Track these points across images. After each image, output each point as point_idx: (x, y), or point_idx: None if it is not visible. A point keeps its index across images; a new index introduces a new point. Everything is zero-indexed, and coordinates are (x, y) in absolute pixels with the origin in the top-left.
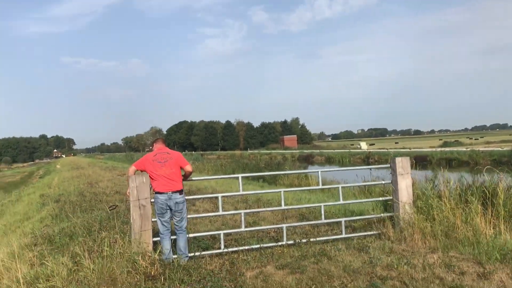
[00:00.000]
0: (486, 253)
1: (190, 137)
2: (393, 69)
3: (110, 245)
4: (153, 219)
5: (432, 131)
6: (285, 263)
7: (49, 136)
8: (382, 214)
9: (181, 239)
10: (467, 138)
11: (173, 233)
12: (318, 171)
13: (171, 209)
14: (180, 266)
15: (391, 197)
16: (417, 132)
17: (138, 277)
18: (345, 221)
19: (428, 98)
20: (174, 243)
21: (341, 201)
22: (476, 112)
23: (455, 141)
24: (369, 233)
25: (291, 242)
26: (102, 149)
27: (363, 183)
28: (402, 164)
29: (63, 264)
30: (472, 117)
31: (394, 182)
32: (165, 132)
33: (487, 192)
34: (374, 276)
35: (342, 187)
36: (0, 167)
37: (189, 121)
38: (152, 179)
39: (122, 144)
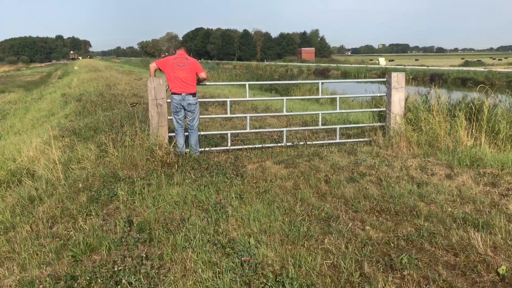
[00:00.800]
0: (459, 159)
1: (206, 45)
2: None
3: (131, 137)
4: (169, 117)
5: (456, 49)
6: (281, 160)
7: (65, 37)
8: (374, 124)
9: (193, 137)
10: (490, 58)
11: (186, 130)
12: (319, 82)
13: (184, 109)
14: (191, 157)
15: (384, 109)
16: (440, 50)
17: (155, 163)
18: (340, 128)
19: (454, 14)
20: (187, 139)
21: (338, 110)
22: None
23: (477, 60)
24: (361, 139)
25: (289, 144)
26: (118, 53)
27: (360, 95)
28: (398, 78)
29: (91, 150)
30: (499, 37)
31: (388, 95)
32: (181, 39)
33: (474, 108)
34: (355, 173)
35: (340, 97)
36: (19, 66)
37: (206, 28)
38: (169, 80)
39: (138, 48)
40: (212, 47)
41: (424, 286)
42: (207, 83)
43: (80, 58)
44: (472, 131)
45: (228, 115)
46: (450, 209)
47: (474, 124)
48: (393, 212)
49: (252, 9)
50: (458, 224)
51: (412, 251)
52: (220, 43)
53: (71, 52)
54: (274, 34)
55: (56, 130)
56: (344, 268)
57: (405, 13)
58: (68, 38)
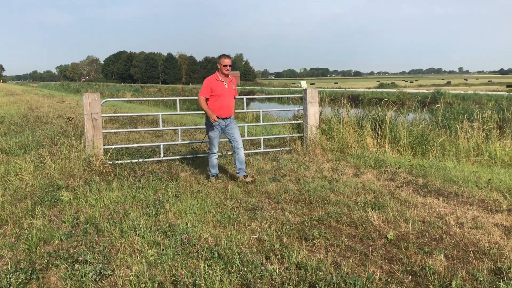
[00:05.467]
0: (365, 162)
1: (129, 68)
2: (341, 8)
3: (68, 149)
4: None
5: (372, 73)
6: None
7: None
8: (294, 135)
9: None
10: (403, 80)
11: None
12: (244, 98)
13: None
14: (127, 166)
15: (302, 121)
16: (357, 73)
17: (92, 173)
18: (264, 139)
19: (370, 40)
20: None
21: (261, 123)
22: (414, 56)
23: (391, 83)
24: (283, 149)
25: (219, 154)
26: (34, 77)
27: (280, 109)
28: (312, 94)
29: (29, 162)
30: (410, 61)
31: (305, 109)
32: (102, 62)
33: (378, 119)
34: (277, 174)
35: (262, 111)
36: None
37: (128, 51)
38: None
39: (56, 72)
40: (136, 70)
41: (330, 249)
42: (135, 99)
43: None
44: (377, 139)
45: (161, 127)
46: (354, 197)
47: (379, 133)
48: (307, 201)
49: (176, 35)
50: (359, 207)
51: (322, 227)
52: (144, 66)
53: None
54: (199, 57)
55: None
56: (267, 240)
57: (325, 38)
58: None
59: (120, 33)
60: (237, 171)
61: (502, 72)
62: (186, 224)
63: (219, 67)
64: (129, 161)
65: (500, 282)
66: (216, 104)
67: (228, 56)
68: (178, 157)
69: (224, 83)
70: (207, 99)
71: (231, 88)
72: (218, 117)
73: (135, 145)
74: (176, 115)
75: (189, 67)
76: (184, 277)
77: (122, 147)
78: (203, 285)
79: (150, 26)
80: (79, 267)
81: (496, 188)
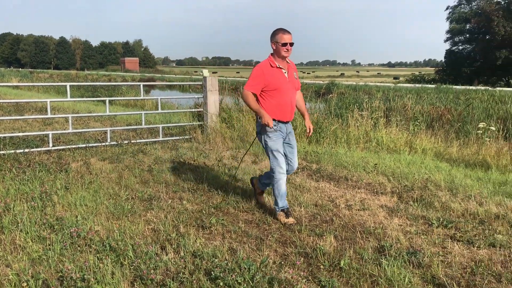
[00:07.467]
0: (263, 150)
1: (16, 52)
2: None
3: None
4: None
5: None
6: (106, 157)
7: None
8: (194, 123)
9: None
10: (301, 71)
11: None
12: (140, 84)
13: None
14: (10, 157)
15: (202, 109)
16: (258, 63)
17: None
18: (162, 127)
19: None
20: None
21: (160, 110)
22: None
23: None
24: (183, 137)
25: (114, 143)
26: None
27: (180, 97)
28: (212, 82)
29: None
30: (308, 53)
31: (205, 97)
32: None
33: None
34: (176, 163)
35: (161, 98)
36: None
37: (15, 33)
38: None
39: None
40: (24, 54)
41: (227, 236)
42: (23, 84)
43: None
44: None
45: (49, 115)
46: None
47: None
48: (206, 190)
49: (70, 16)
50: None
51: (220, 214)
52: (33, 50)
53: None
54: (95, 42)
55: None
56: (163, 230)
57: (228, 28)
58: None
59: (3, 13)
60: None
61: (390, 65)
62: (76, 216)
63: (274, 47)
64: (13, 151)
65: (382, 259)
66: (273, 102)
67: (288, 32)
68: (69, 146)
69: (283, 71)
70: (256, 97)
71: (292, 77)
72: (277, 121)
73: (20, 134)
74: (68, 102)
75: (84, 52)
76: (71, 273)
77: (5, 136)
78: (92, 279)
79: (39, 7)
80: None
81: (382, 172)
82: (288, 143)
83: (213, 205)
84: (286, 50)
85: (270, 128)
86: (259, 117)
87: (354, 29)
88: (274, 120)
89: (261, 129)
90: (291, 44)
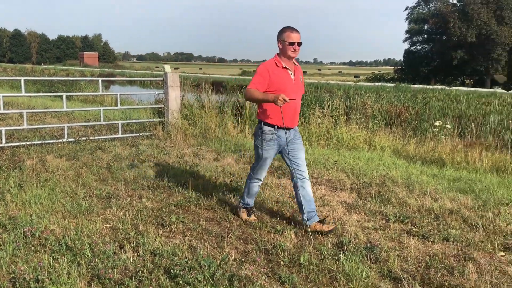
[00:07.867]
0: (226, 146)
1: None
2: None
3: None
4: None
5: (235, 60)
6: (63, 154)
7: None
8: (155, 119)
9: None
10: None
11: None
12: (99, 79)
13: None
14: None
15: (163, 106)
16: (221, 60)
17: None
18: (122, 124)
19: (237, 28)
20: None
21: (119, 106)
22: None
23: (253, 71)
24: (143, 134)
25: (71, 139)
26: None
27: (140, 93)
28: (173, 78)
29: None
30: (271, 50)
31: (166, 93)
32: None
33: (239, 106)
34: (136, 160)
35: (121, 94)
36: None
37: None
38: None
39: None
40: None
41: (187, 234)
42: None
43: None
44: (238, 124)
45: (2, 111)
46: (214, 181)
47: (239, 118)
48: (167, 187)
49: (26, 7)
50: (218, 191)
51: (180, 212)
52: None
53: None
54: (52, 36)
55: None
56: (122, 229)
57: (189, 24)
58: None
59: None
60: (306, 216)
61: (350, 64)
62: (31, 215)
63: (280, 46)
64: None
65: (341, 254)
66: (274, 104)
67: (297, 30)
68: (24, 143)
69: (289, 72)
70: None
71: (298, 81)
72: (277, 128)
73: None
74: (23, 98)
75: (41, 45)
76: (24, 273)
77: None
78: (47, 280)
79: None
80: None
81: (341, 169)
82: (292, 149)
83: (173, 202)
84: (293, 50)
85: (283, 102)
86: (268, 101)
87: (316, 27)
88: (273, 126)
89: (259, 135)
90: (299, 44)
